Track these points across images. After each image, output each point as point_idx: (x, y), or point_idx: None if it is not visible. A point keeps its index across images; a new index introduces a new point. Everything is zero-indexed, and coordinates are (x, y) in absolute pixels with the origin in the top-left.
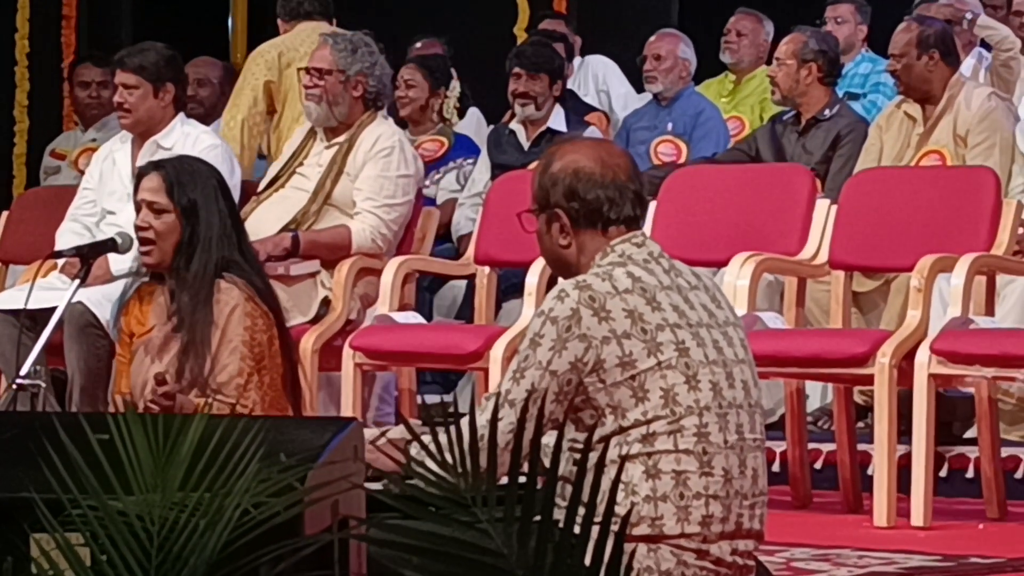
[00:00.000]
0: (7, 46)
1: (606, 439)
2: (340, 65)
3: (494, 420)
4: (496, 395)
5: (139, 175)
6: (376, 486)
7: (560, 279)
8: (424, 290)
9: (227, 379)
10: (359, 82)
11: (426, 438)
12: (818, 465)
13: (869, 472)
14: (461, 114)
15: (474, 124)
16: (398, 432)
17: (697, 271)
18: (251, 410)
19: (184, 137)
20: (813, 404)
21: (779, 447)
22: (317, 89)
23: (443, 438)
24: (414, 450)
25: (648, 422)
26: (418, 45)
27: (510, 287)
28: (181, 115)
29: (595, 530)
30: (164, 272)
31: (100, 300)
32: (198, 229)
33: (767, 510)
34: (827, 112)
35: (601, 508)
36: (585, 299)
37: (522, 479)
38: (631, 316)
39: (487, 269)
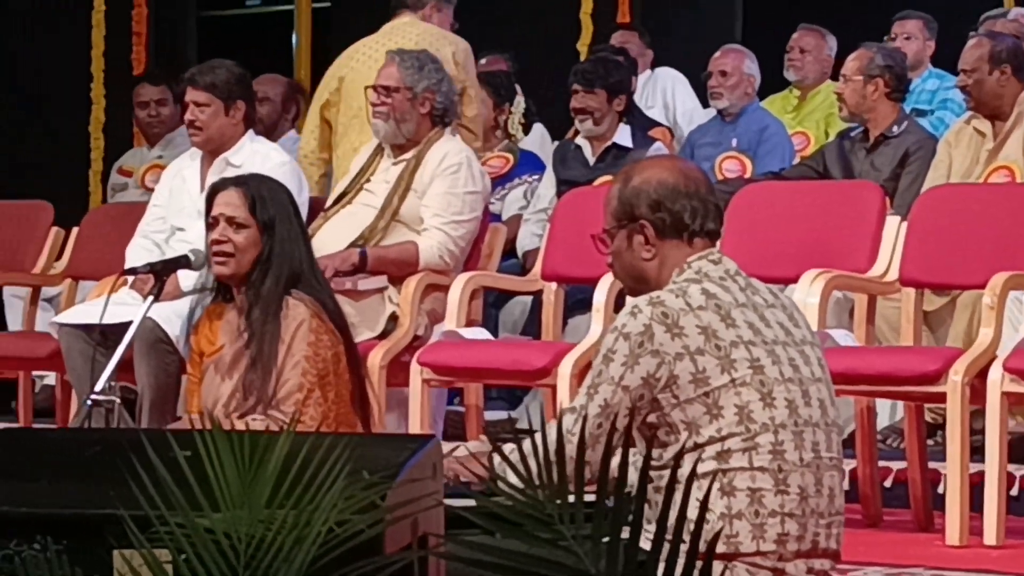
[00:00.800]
0: (84, 62)
1: (680, 456)
2: (407, 82)
3: (582, 436)
4: (570, 410)
5: (214, 191)
6: (456, 502)
7: (629, 297)
8: (489, 306)
9: (287, 394)
10: (426, 99)
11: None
12: (888, 483)
13: (939, 490)
14: (526, 130)
15: (539, 140)
16: (475, 446)
17: (774, 289)
18: (311, 426)
19: (253, 154)
20: (882, 422)
21: (849, 465)
22: (385, 107)
23: (525, 451)
24: (495, 463)
25: (723, 439)
26: (483, 62)
27: (576, 303)
28: (250, 132)
29: (671, 547)
30: (236, 285)
31: (170, 316)
32: (275, 246)
33: (843, 529)
34: (895, 128)
35: (689, 526)
36: (658, 315)
37: (600, 495)
38: (704, 332)
39: (554, 285)
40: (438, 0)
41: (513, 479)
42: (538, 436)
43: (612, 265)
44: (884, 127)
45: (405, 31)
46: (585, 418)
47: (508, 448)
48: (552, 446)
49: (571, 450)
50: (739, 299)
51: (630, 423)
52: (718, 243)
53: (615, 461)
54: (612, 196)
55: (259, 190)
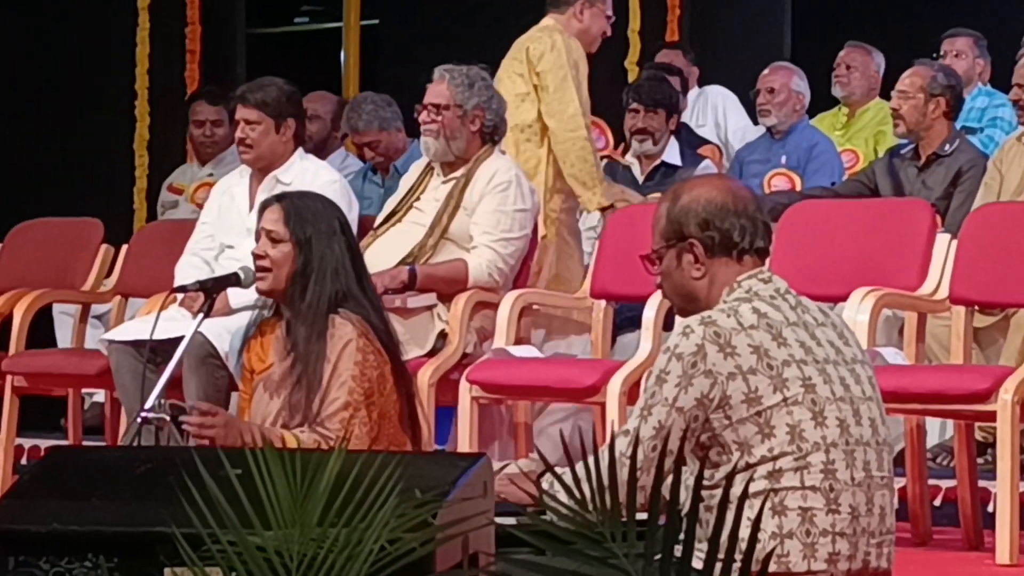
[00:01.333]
0: (129, 80)
1: (732, 476)
2: (457, 100)
3: (633, 456)
4: (623, 433)
5: (263, 207)
6: (507, 521)
7: (678, 317)
8: None
9: (332, 412)
10: (476, 116)
11: (556, 472)
12: (937, 502)
13: (989, 509)
14: None
15: None
16: (525, 464)
17: (824, 308)
18: (356, 445)
19: (303, 172)
20: (932, 440)
21: (899, 483)
22: (435, 124)
23: (579, 472)
24: (546, 483)
25: (774, 458)
26: None
27: (625, 320)
28: (300, 150)
29: (723, 567)
30: (278, 300)
31: (219, 332)
32: (311, 261)
33: (894, 548)
34: (947, 147)
35: (742, 546)
36: (710, 335)
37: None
38: (757, 352)
39: (603, 303)
40: None
41: (565, 499)
42: (591, 459)
43: (661, 285)
44: (936, 145)
45: (531, 35)
46: (639, 440)
47: (560, 470)
48: (605, 470)
49: (624, 474)
50: (790, 318)
51: (682, 445)
52: (767, 261)
53: (668, 481)
54: (660, 216)
55: (297, 206)
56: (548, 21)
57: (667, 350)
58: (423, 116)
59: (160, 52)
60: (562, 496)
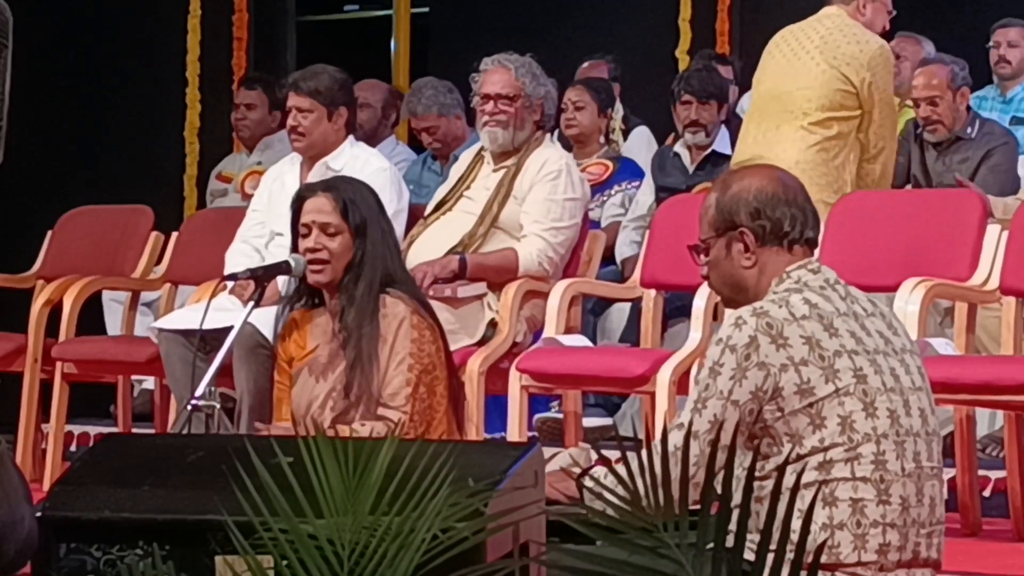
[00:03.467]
0: (179, 67)
1: (783, 467)
2: (527, 90)
3: (686, 451)
4: (678, 426)
5: (302, 198)
6: (559, 509)
7: (728, 309)
8: (588, 313)
9: (395, 390)
10: (539, 107)
11: (612, 468)
12: (987, 492)
13: None
14: (625, 136)
15: (645, 143)
16: (576, 452)
17: (873, 298)
18: (421, 421)
19: (353, 159)
20: (981, 431)
21: (948, 474)
22: (504, 115)
23: (633, 466)
24: (599, 474)
25: (825, 449)
26: (585, 65)
27: (675, 310)
28: (350, 138)
29: (775, 557)
30: (330, 291)
31: (269, 320)
32: (366, 248)
33: (944, 539)
34: (969, 130)
35: (794, 537)
36: (763, 326)
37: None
38: (808, 343)
39: (653, 292)
40: None
41: (613, 499)
42: (644, 453)
43: (708, 276)
44: (959, 128)
45: (822, 22)
46: (695, 435)
47: (608, 468)
48: (665, 464)
49: (678, 469)
50: (840, 308)
51: (734, 437)
52: (816, 251)
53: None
54: (709, 205)
55: (348, 194)
56: (832, 10)
57: (719, 341)
58: (489, 107)
59: (210, 40)
60: (617, 488)
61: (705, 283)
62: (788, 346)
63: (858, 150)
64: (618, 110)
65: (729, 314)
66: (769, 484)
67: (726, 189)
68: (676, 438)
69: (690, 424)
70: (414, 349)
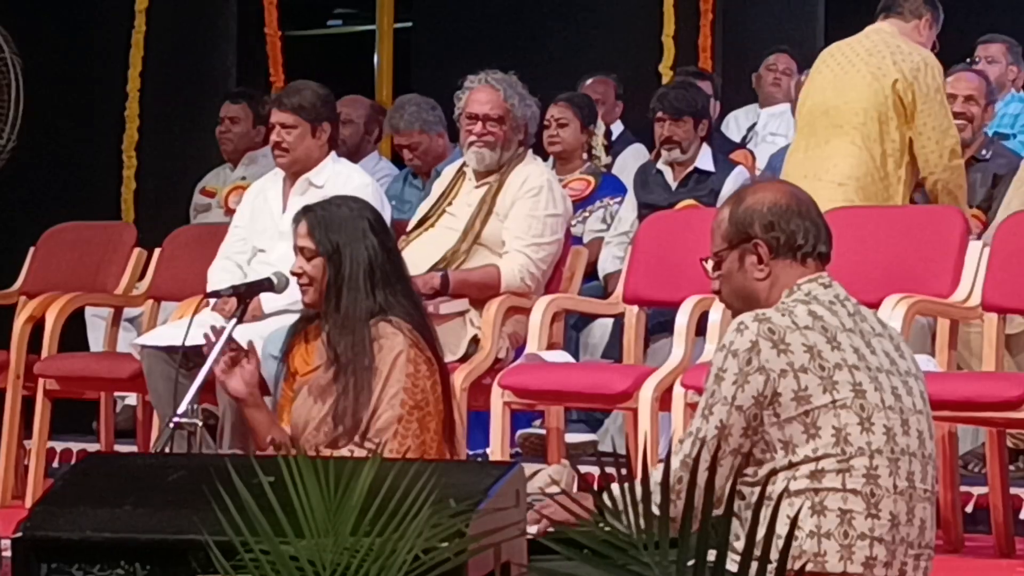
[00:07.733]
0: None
1: (774, 473)
2: (515, 112)
3: (696, 460)
4: (688, 435)
5: (295, 222)
6: (536, 529)
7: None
8: (571, 329)
9: (385, 425)
10: (523, 126)
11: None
12: (969, 508)
13: (1021, 516)
14: (607, 151)
15: (639, 161)
16: (556, 470)
17: (882, 319)
18: (405, 455)
19: (336, 175)
20: (963, 447)
21: None
22: (491, 136)
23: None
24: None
25: (817, 459)
26: (589, 82)
27: (657, 326)
28: (332, 154)
29: (759, 565)
30: (319, 311)
31: (252, 337)
32: (342, 270)
33: (932, 564)
34: (984, 152)
35: (778, 543)
36: (764, 331)
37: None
38: (809, 351)
39: (636, 308)
40: (932, 12)
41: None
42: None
43: (719, 290)
44: (975, 150)
45: (868, 37)
46: (704, 442)
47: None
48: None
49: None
50: (846, 324)
51: (742, 442)
52: (827, 267)
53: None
54: (723, 218)
55: (320, 217)
56: (882, 25)
57: (723, 348)
58: (477, 128)
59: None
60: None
61: (688, 299)
62: (789, 352)
63: (911, 162)
64: (600, 126)
65: (733, 320)
66: (759, 490)
67: (740, 202)
68: (686, 447)
69: (697, 431)
70: (408, 384)
